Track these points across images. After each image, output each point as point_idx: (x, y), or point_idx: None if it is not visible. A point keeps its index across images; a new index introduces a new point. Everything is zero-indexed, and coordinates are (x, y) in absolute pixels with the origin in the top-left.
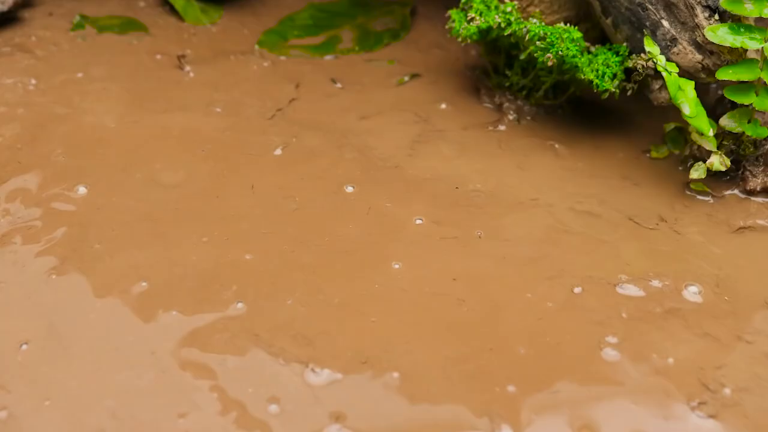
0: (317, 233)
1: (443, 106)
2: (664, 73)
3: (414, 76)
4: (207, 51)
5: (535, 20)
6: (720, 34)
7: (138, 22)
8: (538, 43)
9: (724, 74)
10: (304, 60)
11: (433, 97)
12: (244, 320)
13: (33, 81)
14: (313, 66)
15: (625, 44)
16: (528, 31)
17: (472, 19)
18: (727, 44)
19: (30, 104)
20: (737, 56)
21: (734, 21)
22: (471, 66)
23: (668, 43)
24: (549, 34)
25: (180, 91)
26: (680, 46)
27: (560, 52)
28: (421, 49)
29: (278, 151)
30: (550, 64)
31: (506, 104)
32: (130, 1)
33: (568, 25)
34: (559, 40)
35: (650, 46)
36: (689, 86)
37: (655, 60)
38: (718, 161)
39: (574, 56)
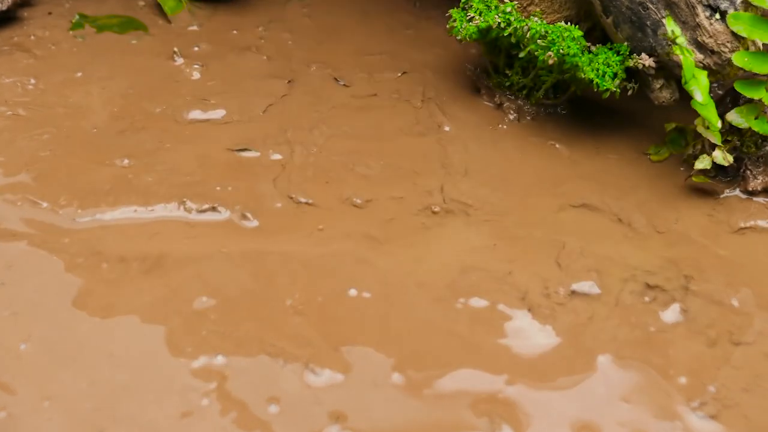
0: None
1: (443, 105)
2: (681, 57)
3: (414, 74)
4: (208, 49)
5: (536, 19)
6: (742, 23)
7: (137, 22)
8: (539, 41)
9: (740, 60)
10: (303, 58)
11: (433, 95)
12: (245, 319)
13: (32, 80)
14: (313, 63)
15: (625, 44)
16: (529, 29)
17: (472, 18)
18: (743, 34)
19: (29, 104)
20: (745, 46)
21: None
22: (472, 65)
23: (669, 43)
24: (550, 32)
25: (180, 89)
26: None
27: (561, 51)
28: (422, 47)
29: (276, 149)
30: (550, 62)
31: (506, 104)
32: (129, 1)
33: (569, 24)
34: (560, 38)
35: (671, 26)
36: (702, 74)
37: (675, 41)
38: (721, 156)
39: (574, 55)
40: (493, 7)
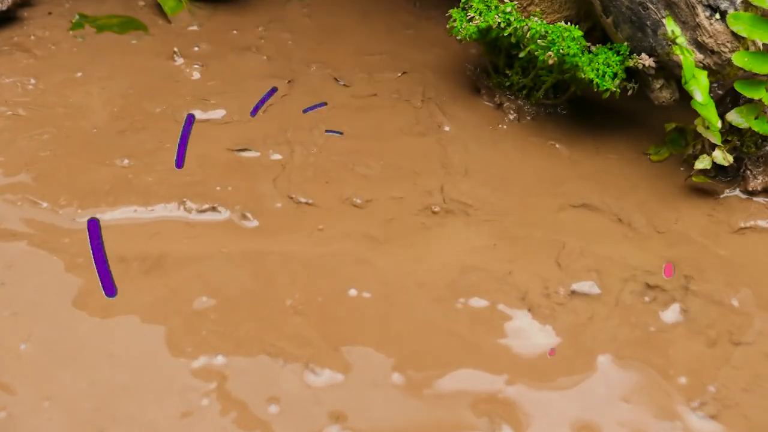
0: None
1: (443, 104)
2: (681, 57)
3: (414, 74)
4: (208, 49)
5: (536, 19)
6: (742, 23)
7: (138, 22)
8: (539, 41)
9: (740, 60)
10: (302, 58)
11: (432, 95)
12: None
13: (32, 80)
14: (312, 63)
15: (626, 44)
16: (529, 29)
17: (472, 18)
18: (743, 34)
19: (29, 104)
20: (745, 46)
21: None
22: (472, 65)
23: (669, 43)
24: (550, 32)
25: (181, 89)
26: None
27: (561, 51)
28: (421, 47)
29: (276, 149)
30: (551, 62)
31: (507, 104)
32: (129, 1)
33: (569, 24)
34: (560, 38)
35: (671, 26)
36: (702, 74)
37: (675, 41)
38: (721, 156)
39: (574, 55)
40: (492, 7)
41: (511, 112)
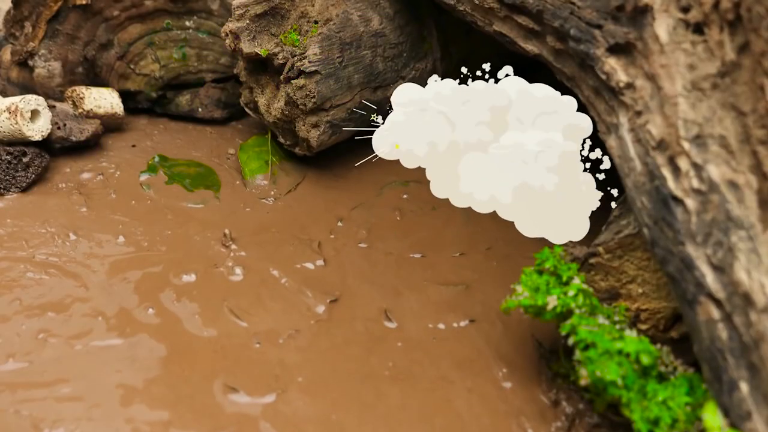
0: None
1: (493, 381)
2: None
3: (483, 323)
4: (265, 239)
5: (602, 318)
6: None
7: (214, 178)
8: (578, 353)
9: None
10: (363, 272)
11: (488, 363)
12: None
13: (72, 236)
14: (370, 283)
15: (704, 386)
16: (575, 332)
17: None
18: None
19: (56, 265)
20: None
21: None
22: (544, 337)
23: (742, 415)
24: (597, 343)
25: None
26: (755, 422)
27: (598, 373)
28: (505, 282)
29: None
30: (583, 383)
31: (564, 404)
32: (221, 146)
33: (662, 324)
34: (606, 356)
35: (712, 418)
36: None
37: None
38: None
39: (615, 384)
40: (543, 285)
41: (564, 417)
